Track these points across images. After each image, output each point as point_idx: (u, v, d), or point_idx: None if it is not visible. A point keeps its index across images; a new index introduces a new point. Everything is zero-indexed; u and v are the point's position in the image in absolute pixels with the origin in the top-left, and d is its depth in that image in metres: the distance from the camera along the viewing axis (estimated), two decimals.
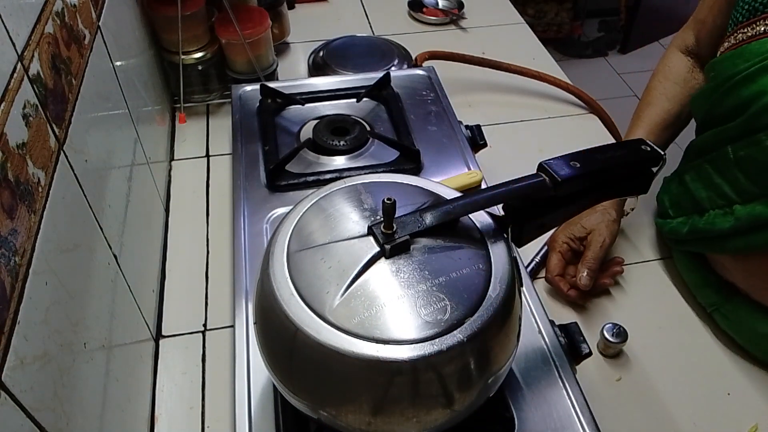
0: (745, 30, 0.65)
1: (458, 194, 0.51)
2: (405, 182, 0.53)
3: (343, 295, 0.43)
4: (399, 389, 0.42)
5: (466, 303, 0.43)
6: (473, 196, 0.49)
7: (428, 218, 0.47)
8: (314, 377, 0.44)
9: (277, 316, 0.44)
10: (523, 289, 0.65)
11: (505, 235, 0.49)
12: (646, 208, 0.90)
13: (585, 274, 0.74)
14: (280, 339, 0.45)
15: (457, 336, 0.42)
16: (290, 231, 0.48)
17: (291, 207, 0.51)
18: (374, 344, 0.41)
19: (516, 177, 0.49)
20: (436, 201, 0.50)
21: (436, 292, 0.43)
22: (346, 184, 0.52)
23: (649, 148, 0.52)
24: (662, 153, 0.51)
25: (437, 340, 0.41)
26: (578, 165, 0.48)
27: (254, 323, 0.50)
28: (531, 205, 0.50)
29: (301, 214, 0.50)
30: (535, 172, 0.50)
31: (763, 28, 0.63)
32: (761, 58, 0.62)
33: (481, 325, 0.42)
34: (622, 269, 0.78)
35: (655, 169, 0.53)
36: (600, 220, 0.77)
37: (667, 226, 0.78)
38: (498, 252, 0.47)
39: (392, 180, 0.53)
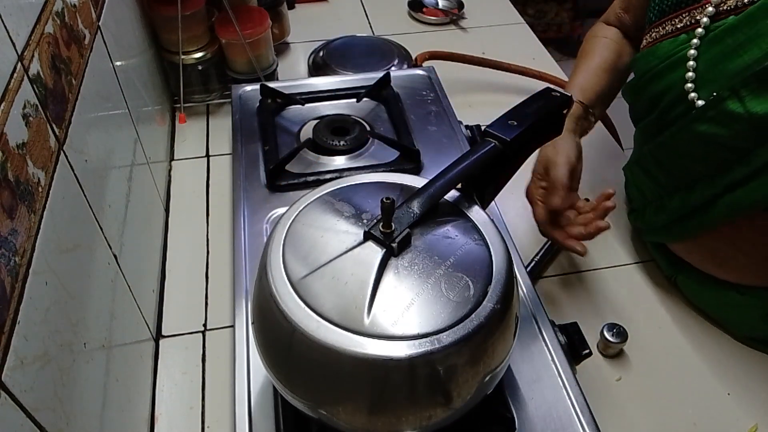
0: (657, 29, 0.69)
1: (424, 180, 0.52)
2: (367, 181, 0.54)
3: (371, 305, 0.43)
4: (397, 386, 0.43)
5: (481, 273, 0.45)
6: (445, 176, 0.51)
7: (417, 207, 0.48)
8: (313, 376, 0.44)
9: (274, 316, 0.44)
10: (523, 288, 0.65)
11: (476, 202, 0.52)
12: None
13: (555, 196, 0.69)
14: (277, 339, 0.45)
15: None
16: (285, 232, 0.48)
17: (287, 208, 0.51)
18: (376, 341, 0.41)
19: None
20: (412, 190, 0.50)
21: (453, 273, 0.44)
22: (315, 197, 0.52)
23: (558, 94, 0.57)
24: (569, 95, 0.57)
25: (438, 336, 0.41)
26: (515, 123, 0.53)
27: (252, 323, 0.50)
28: (487, 169, 0.53)
29: (298, 211, 0.50)
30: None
31: (670, 28, 0.67)
32: (668, 55, 0.67)
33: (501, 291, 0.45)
34: (606, 223, 0.68)
35: (565, 111, 0.58)
36: (552, 146, 0.72)
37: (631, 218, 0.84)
38: (480, 218, 0.50)
39: (358, 182, 0.53)
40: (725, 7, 0.62)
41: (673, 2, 0.67)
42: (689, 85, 0.64)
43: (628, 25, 0.83)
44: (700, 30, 0.63)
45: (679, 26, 0.66)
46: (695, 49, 0.64)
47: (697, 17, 0.64)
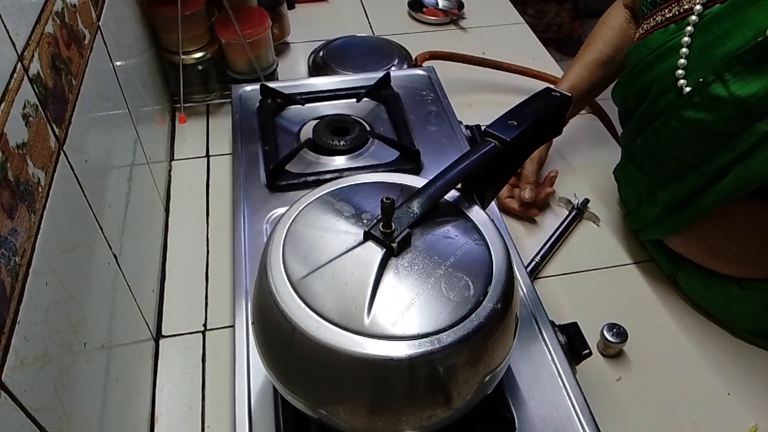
0: (649, 21, 0.71)
1: (424, 180, 0.51)
2: (367, 181, 0.54)
3: (371, 305, 0.43)
4: (397, 386, 0.42)
5: (481, 273, 0.45)
6: (445, 176, 0.51)
7: (417, 207, 0.48)
8: (313, 376, 0.44)
9: (274, 316, 0.44)
10: (523, 288, 0.65)
11: (476, 202, 0.52)
12: None
13: (527, 189, 0.85)
14: (277, 339, 0.45)
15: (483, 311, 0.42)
16: (285, 232, 0.48)
17: (287, 208, 0.51)
18: (376, 340, 0.41)
19: None
20: (412, 190, 0.50)
21: (453, 273, 0.44)
22: (315, 197, 0.52)
23: (558, 94, 0.58)
24: (569, 95, 0.58)
25: (438, 335, 0.41)
26: (515, 123, 0.53)
27: (252, 323, 0.50)
28: (487, 169, 0.53)
29: (298, 211, 0.50)
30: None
31: (660, 19, 0.69)
32: (659, 45, 0.68)
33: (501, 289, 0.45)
34: (552, 189, 0.89)
35: (565, 111, 0.59)
36: None
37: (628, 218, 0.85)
38: (480, 218, 0.50)
39: (358, 182, 0.54)
40: None
41: None
42: (680, 71, 0.65)
43: (637, 8, 0.84)
44: (693, 17, 0.64)
45: (668, 16, 0.67)
46: (689, 36, 0.64)
47: (686, 6, 0.65)
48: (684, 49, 0.65)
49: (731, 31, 0.61)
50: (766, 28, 0.57)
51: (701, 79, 0.62)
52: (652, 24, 0.70)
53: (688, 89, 0.64)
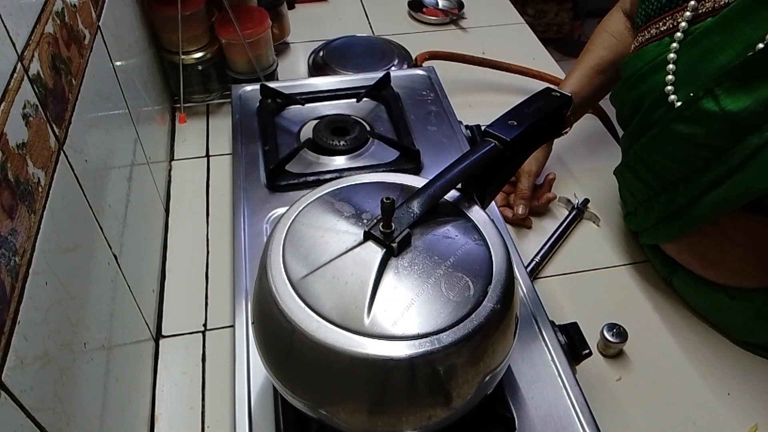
0: (644, 33, 0.71)
1: (424, 180, 0.51)
2: (367, 181, 0.54)
3: (371, 305, 0.43)
4: (397, 386, 0.42)
5: (481, 273, 0.45)
6: (445, 176, 0.51)
7: (417, 207, 0.48)
8: (313, 376, 0.44)
9: (274, 316, 0.44)
10: (523, 288, 0.65)
11: (476, 202, 0.52)
12: None
13: (521, 205, 0.86)
14: (278, 338, 0.45)
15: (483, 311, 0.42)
16: (285, 232, 0.48)
17: (287, 208, 0.51)
18: (376, 340, 0.41)
19: None
20: (412, 190, 0.50)
21: (453, 273, 0.44)
22: (315, 197, 0.52)
23: (558, 94, 0.58)
24: (569, 95, 0.58)
25: (444, 333, 0.41)
26: (515, 123, 0.54)
27: (252, 323, 0.50)
28: (487, 169, 0.53)
29: (298, 211, 0.50)
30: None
31: (654, 31, 0.69)
32: (652, 58, 0.68)
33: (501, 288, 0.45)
34: (553, 194, 0.89)
35: (565, 111, 0.59)
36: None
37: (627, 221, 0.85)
38: (480, 218, 0.50)
39: (358, 182, 0.54)
40: (704, 10, 0.63)
41: (657, 6, 0.68)
42: (669, 87, 0.65)
43: (634, 16, 0.84)
44: (678, 34, 0.64)
45: (662, 29, 0.67)
46: (675, 52, 0.65)
47: (679, 20, 0.65)
48: (671, 65, 0.65)
49: (721, 45, 0.61)
50: (755, 42, 0.57)
51: (692, 94, 0.62)
52: (646, 36, 0.70)
53: (678, 104, 0.64)
